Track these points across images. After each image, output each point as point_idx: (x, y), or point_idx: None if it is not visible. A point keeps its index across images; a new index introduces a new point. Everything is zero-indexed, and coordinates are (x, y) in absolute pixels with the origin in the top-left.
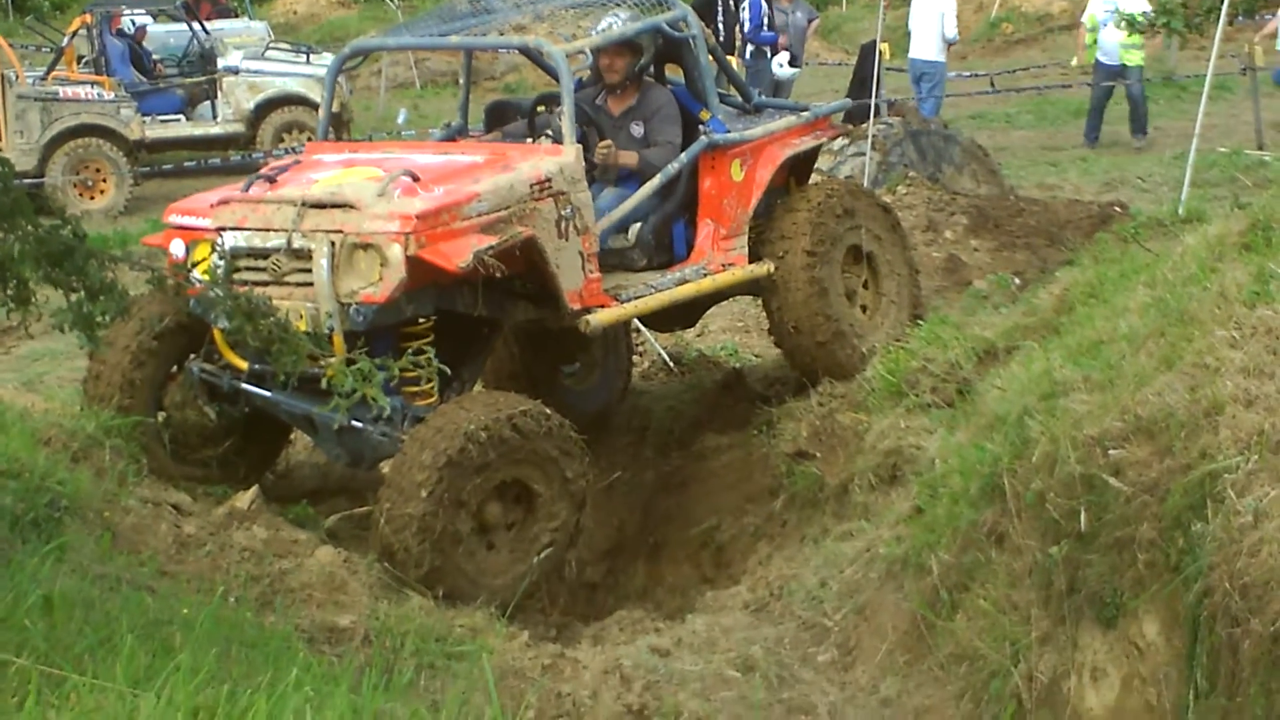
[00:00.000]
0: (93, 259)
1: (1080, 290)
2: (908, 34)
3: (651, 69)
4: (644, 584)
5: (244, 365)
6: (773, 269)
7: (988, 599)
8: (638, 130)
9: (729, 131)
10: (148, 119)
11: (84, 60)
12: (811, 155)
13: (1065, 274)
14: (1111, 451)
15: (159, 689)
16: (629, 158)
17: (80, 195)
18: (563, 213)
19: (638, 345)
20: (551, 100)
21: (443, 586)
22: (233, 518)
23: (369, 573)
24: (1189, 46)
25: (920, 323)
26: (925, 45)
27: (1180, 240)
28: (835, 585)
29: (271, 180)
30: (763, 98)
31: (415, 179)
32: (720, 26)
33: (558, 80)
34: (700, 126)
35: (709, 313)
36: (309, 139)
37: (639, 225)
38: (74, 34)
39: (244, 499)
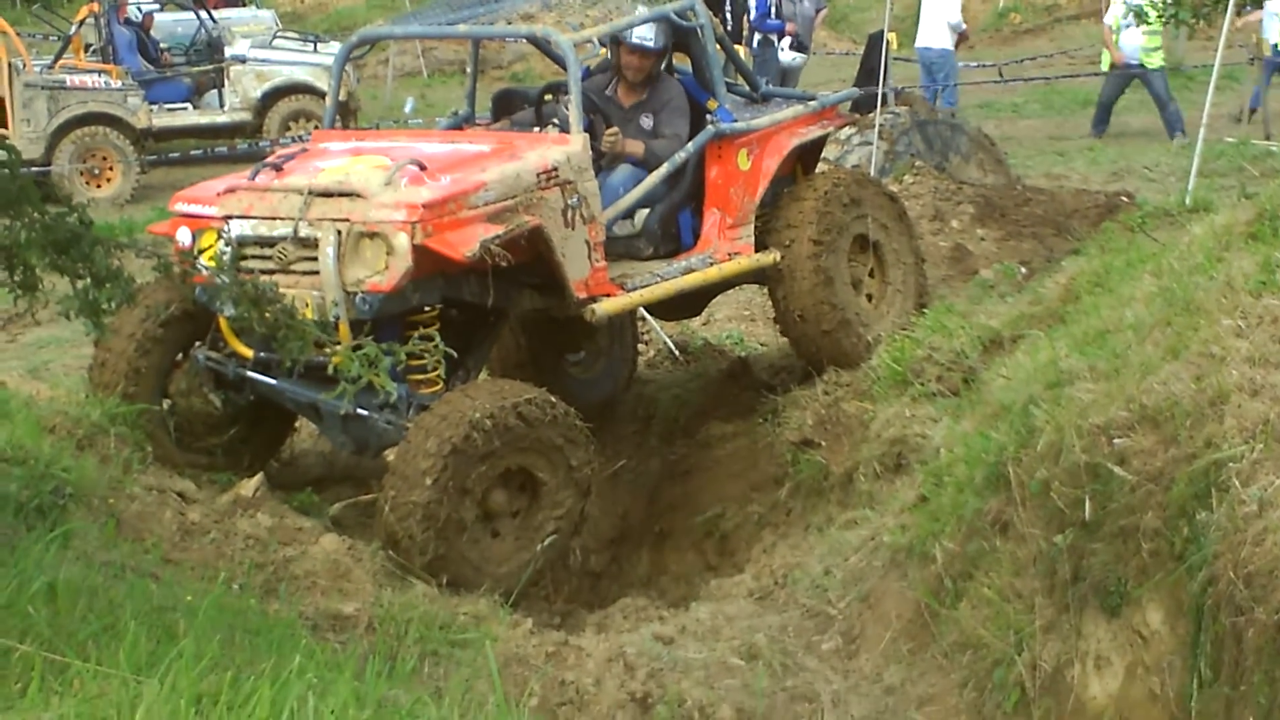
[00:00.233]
0: (99, 246)
1: (1086, 279)
2: (917, 23)
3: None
4: (648, 572)
5: (249, 353)
6: (779, 258)
7: (992, 587)
8: (647, 122)
9: (736, 121)
10: (155, 107)
11: (91, 49)
12: (819, 144)
13: (1071, 263)
14: (1116, 440)
15: (162, 676)
16: (635, 147)
17: (87, 183)
18: (569, 202)
19: (643, 333)
20: (559, 89)
21: (447, 574)
22: (237, 505)
23: (373, 560)
24: (1197, 36)
25: (926, 311)
26: (934, 34)
27: (1187, 230)
28: (840, 573)
29: (278, 168)
30: (770, 87)
31: (422, 168)
32: (728, 16)
33: (565, 69)
34: (707, 115)
35: (715, 301)
36: (316, 127)
37: (645, 213)
38: (81, 22)
39: (248, 486)
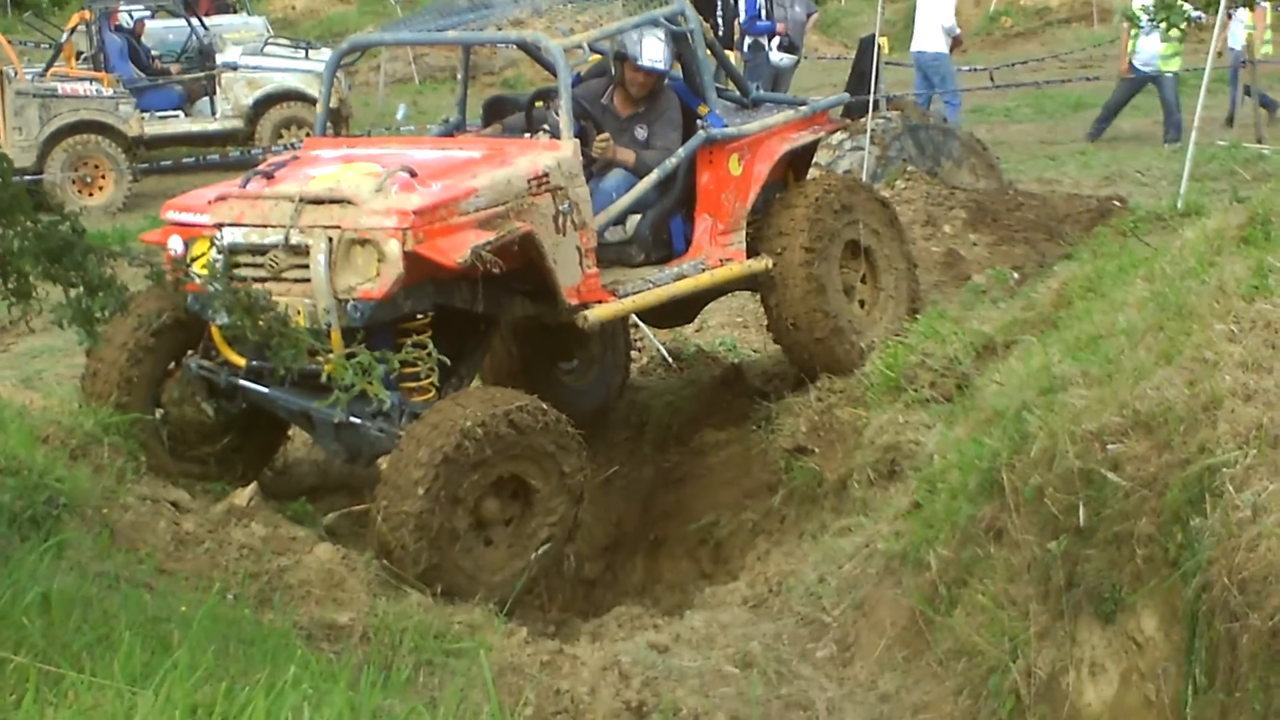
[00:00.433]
0: (92, 254)
1: (1079, 284)
2: (911, 27)
3: None
4: (642, 580)
5: (241, 362)
6: (770, 264)
7: (986, 594)
8: (641, 133)
9: (727, 126)
10: (146, 115)
11: (83, 56)
12: (810, 150)
13: (1064, 268)
14: (1110, 446)
15: (157, 686)
16: (626, 155)
17: (79, 192)
18: (560, 208)
19: (636, 341)
20: (549, 95)
21: (441, 583)
22: (231, 515)
23: (367, 570)
24: (1188, 39)
25: (918, 317)
26: (928, 38)
27: (1179, 234)
28: (834, 581)
29: (269, 176)
30: (761, 92)
31: (413, 174)
32: (719, 21)
33: (555, 75)
34: (698, 121)
35: (708, 308)
36: (308, 134)
37: (637, 219)
38: (73, 30)
39: (242, 496)
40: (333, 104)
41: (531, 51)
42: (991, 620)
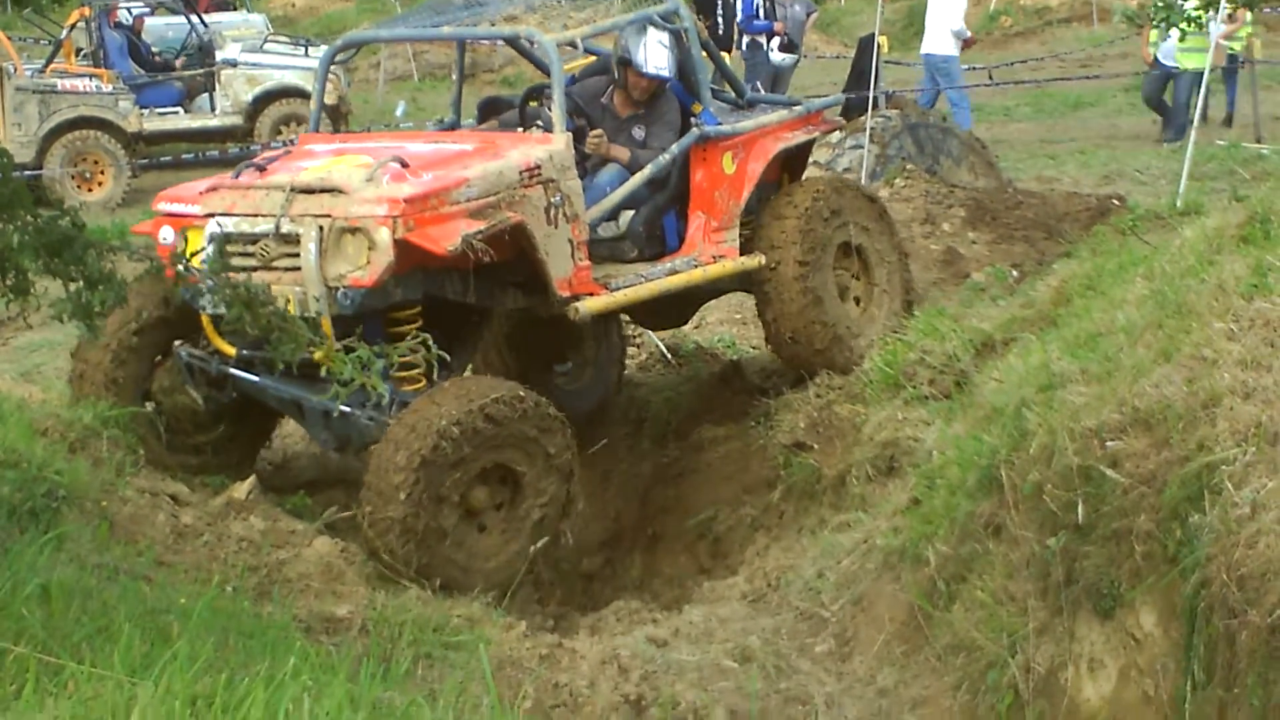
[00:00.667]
0: (91, 249)
1: (1078, 282)
2: (921, 27)
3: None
4: (641, 575)
5: (232, 351)
6: (763, 261)
7: (985, 590)
8: (639, 133)
9: (721, 125)
10: (146, 111)
11: (82, 53)
12: (805, 149)
13: (1063, 266)
14: (1109, 443)
15: (157, 677)
16: (621, 152)
17: (78, 187)
18: (552, 200)
19: (635, 337)
20: (543, 92)
21: (438, 579)
22: (230, 508)
23: (366, 563)
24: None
25: (914, 308)
26: (938, 40)
27: (1178, 233)
28: (832, 576)
29: (261, 169)
30: (756, 93)
31: (404, 165)
32: (719, 20)
33: (548, 71)
34: (692, 119)
35: (706, 305)
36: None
37: (630, 215)
38: (72, 26)
39: (241, 489)
40: (332, 101)
41: (524, 47)
42: (990, 616)
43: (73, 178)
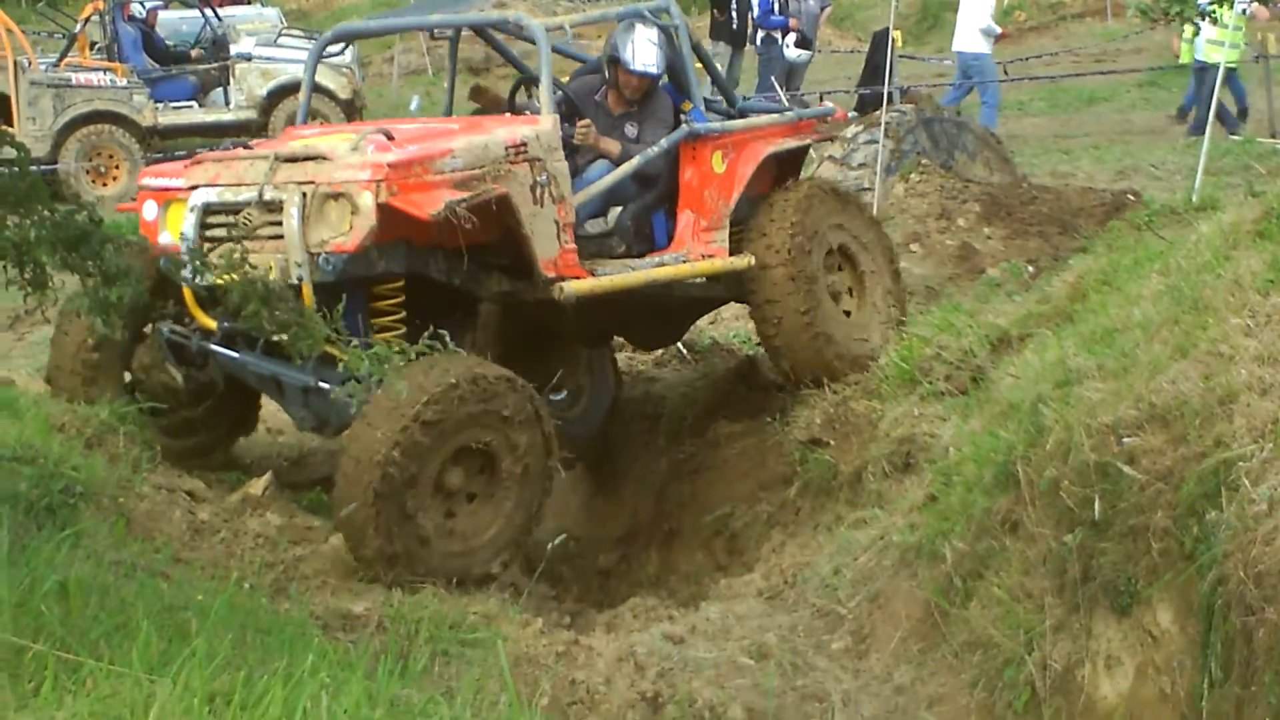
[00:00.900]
0: (109, 244)
1: (1094, 278)
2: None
3: None
4: (657, 571)
5: (213, 325)
6: (752, 261)
7: (1002, 587)
8: (631, 130)
9: (710, 122)
10: (160, 105)
11: (96, 47)
12: (797, 157)
13: (1079, 262)
14: (1126, 439)
15: (175, 675)
16: (610, 145)
17: (93, 182)
18: (538, 178)
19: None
20: (532, 83)
21: (439, 576)
22: (246, 504)
23: None
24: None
25: (905, 314)
26: (968, 37)
27: (1194, 228)
28: (849, 573)
29: (247, 147)
30: (747, 100)
31: (390, 138)
32: (734, 15)
33: (521, 70)
34: (681, 116)
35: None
36: (322, 124)
37: (618, 211)
38: (86, 20)
39: (258, 485)
40: (347, 95)
41: (514, 31)
42: (1007, 613)
43: (87, 172)
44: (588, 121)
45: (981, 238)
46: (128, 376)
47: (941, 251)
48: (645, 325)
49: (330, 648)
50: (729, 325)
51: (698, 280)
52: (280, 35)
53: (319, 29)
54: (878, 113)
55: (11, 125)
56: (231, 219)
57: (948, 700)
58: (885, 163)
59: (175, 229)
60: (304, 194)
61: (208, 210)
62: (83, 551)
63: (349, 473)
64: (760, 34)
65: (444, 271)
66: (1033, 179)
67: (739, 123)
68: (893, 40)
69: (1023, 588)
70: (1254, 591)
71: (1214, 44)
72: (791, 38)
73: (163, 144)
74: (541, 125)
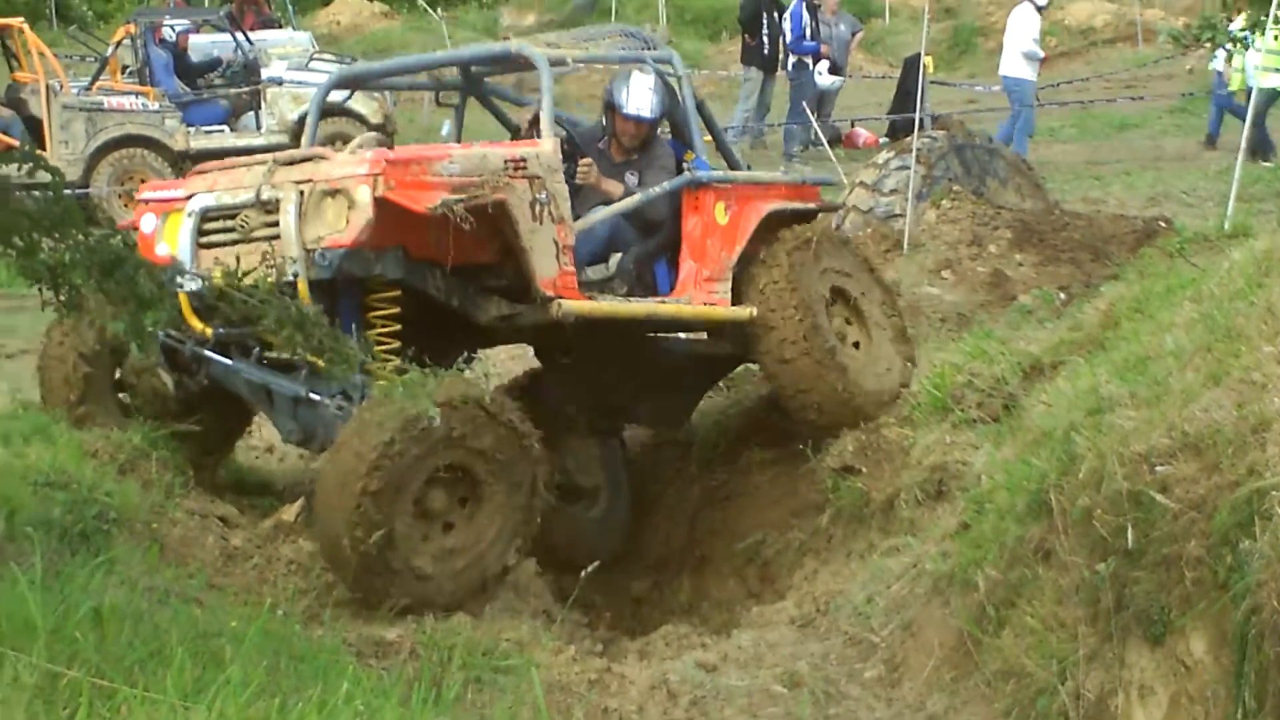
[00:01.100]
0: (143, 269)
1: (1126, 305)
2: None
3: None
4: (690, 599)
5: (208, 331)
6: (755, 312)
7: (1035, 616)
8: (632, 179)
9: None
10: (192, 129)
11: (128, 70)
12: (799, 219)
13: (1110, 289)
14: (1159, 468)
15: (210, 702)
16: (612, 186)
17: (125, 205)
18: (538, 195)
19: None
20: (535, 120)
21: (444, 599)
22: (279, 530)
23: None
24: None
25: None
26: (1011, 62)
27: (1226, 255)
28: (882, 601)
29: None
30: (800, 113)
31: (389, 147)
32: (765, 40)
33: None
34: (684, 165)
35: None
36: None
37: (619, 256)
38: (118, 44)
39: (290, 511)
40: (378, 120)
41: (516, 61)
42: (1040, 642)
43: (119, 196)
44: (589, 160)
45: (1013, 264)
46: (120, 391)
47: (973, 278)
48: (654, 399)
49: (364, 675)
50: None
51: (701, 338)
52: (311, 60)
53: (350, 54)
54: (909, 139)
55: (44, 149)
56: (229, 223)
57: None
58: (917, 189)
59: (173, 239)
60: (301, 191)
61: (205, 215)
62: (116, 578)
63: (325, 495)
64: (791, 59)
65: (443, 291)
66: (1064, 205)
67: (743, 174)
68: (924, 66)
69: (1056, 616)
70: None
71: (1265, 70)
72: (824, 64)
73: (194, 168)
74: (542, 146)
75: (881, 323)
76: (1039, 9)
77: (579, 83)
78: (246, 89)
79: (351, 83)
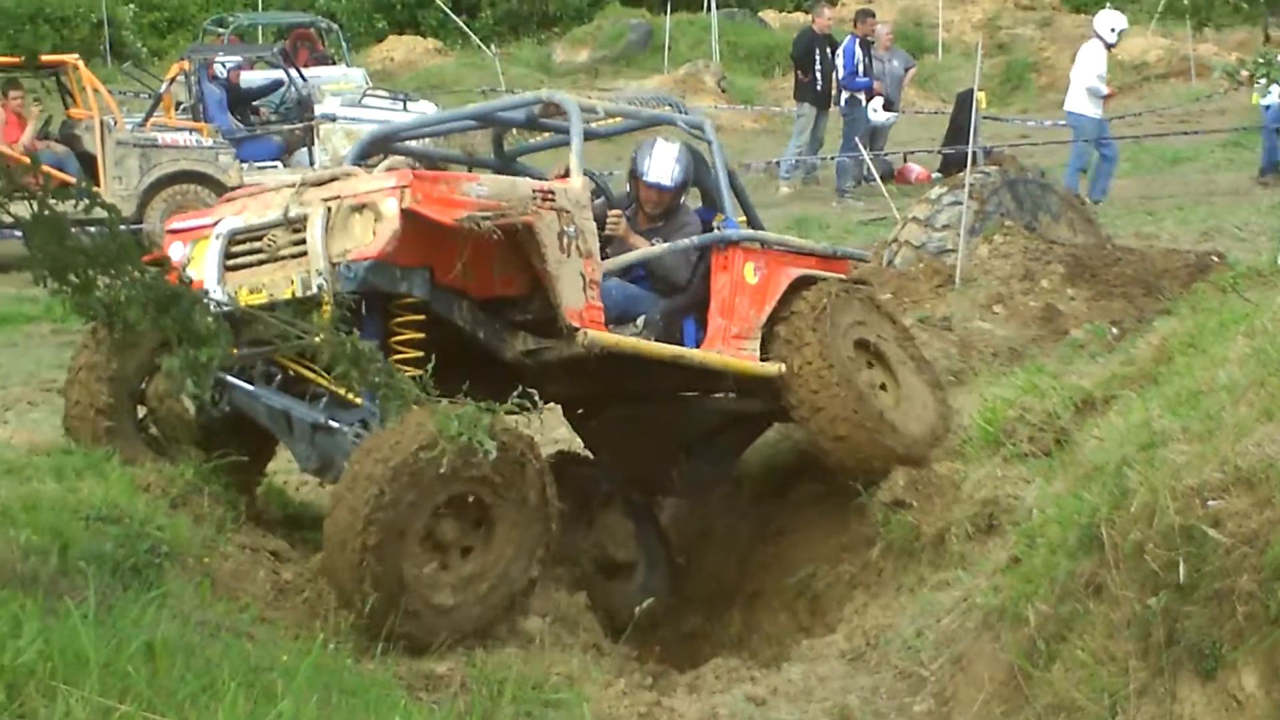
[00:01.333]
0: (198, 305)
1: (1178, 340)
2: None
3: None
4: (740, 632)
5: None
6: (783, 368)
7: (1085, 650)
8: (658, 245)
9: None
10: (245, 165)
11: (182, 106)
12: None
13: (1163, 324)
14: (1211, 502)
15: None
16: (639, 241)
17: None
18: (566, 229)
19: None
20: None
21: (470, 627)
22: None
23: None
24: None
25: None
26: (1074, 98)
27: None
28: (932, 635)
29: None
30: (854, 148)
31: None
32: (818, 75)
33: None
34: (714, 226)
35: None
36: None
37: (647, 314)
38: (172, 80)
39: None
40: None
41: (546, 108)
42: (1091, 676)
43: None
44: (619, 212)
45: (1065, 299)
46: (141, 411)
47: (1025, 313)
48: (686, 466)
49: (415, 709)
50: None
51: (730, 396)
52: (365, 96)
53: (403, 90)
54: (962, 174)
55: (98, 185)
56: (256, 244)
57: None
58: (969, 224)
59: (200, 263)
60: (329, 208)
61: (233, 238)
62: (168, 612)
63: (330, 553)
64: (844, 95)
65: (469, 321)
66: (1117, 240)
67: (773, 236)
68: (977, 101)
69: (1107, 651)
70: None
71: None
72: (878, 100)
73: (224, 195)
74: (571, 184)
75: (904, 360)
76: (1107, 46)
77: (603, 155)
78: (300, 125)
79: (383, 145)
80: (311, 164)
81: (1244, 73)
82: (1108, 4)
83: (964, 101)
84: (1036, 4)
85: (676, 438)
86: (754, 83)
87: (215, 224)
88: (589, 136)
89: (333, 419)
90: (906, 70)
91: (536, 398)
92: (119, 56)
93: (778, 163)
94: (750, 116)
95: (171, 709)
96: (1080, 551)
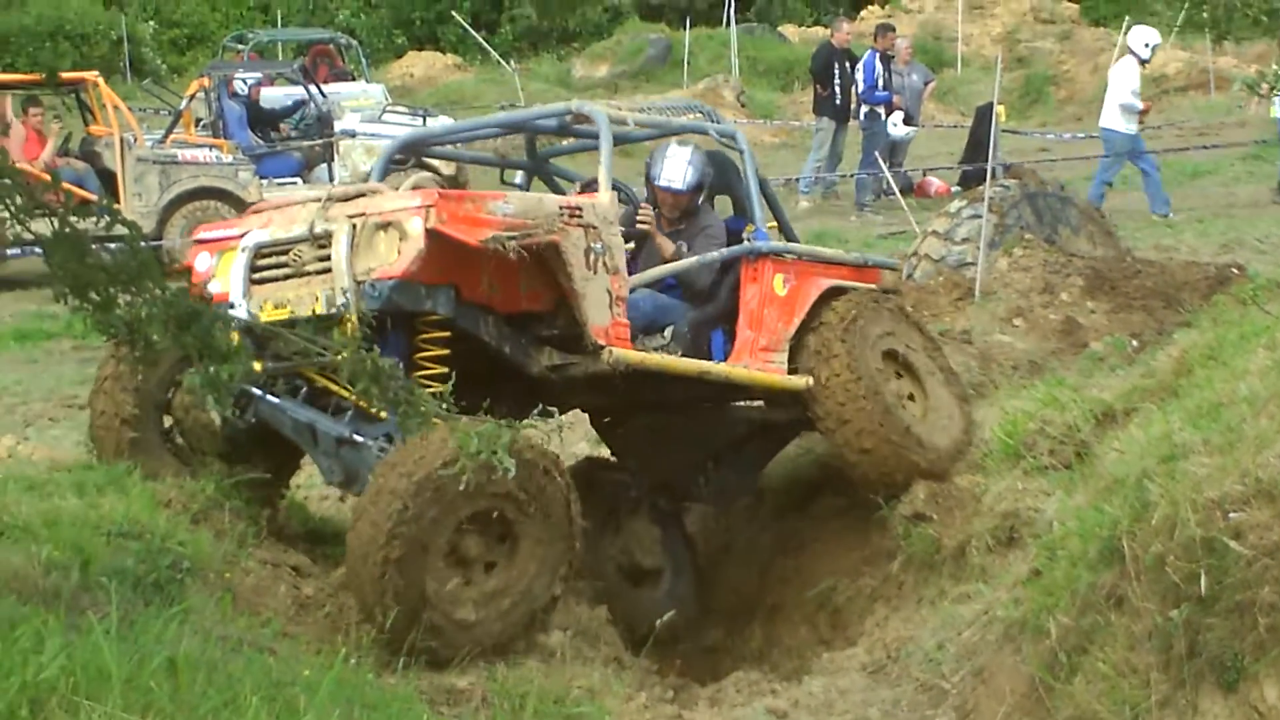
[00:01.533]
0: (219, 322)
1: (1199, 352)
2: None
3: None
4: (761, 645)
5: (258, 367)
6: (810, 381)
7: (1107, 662)
8: (682, 248)
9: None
10: (265, 182)
11: (201, 123)
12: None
13: (1183, 336)
14: (1232, 514)
15: None
16: (666, 243)
17: None
18: (592, 245)
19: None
20: (589, 186)
21: (492, 640)
22: None
23: None
24: None
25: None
26: (1108, 113)
27: None
28: (953, 647)
29: None
30: (872, 162)
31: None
32: (837, 89)
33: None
34: (744, 236)
35: None
36: None
37: (674, 325)
38: (192, 97)
39: None
40: (449, 171)
41: (575, 118)
42: (1112, 688)
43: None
44: (649, 209)
45: (1085, 312)
46: (167, 422)
47: (1045, 326)
48: (713, 474)
49: None
50: None
51: (756, 405)
52: (384, 112)
53: (423, 106)
54: (981, 187)
55: (118, 201)
56: (281, 258)
57: None
58: (989, 237)
59: (226, 275)
60: (354, 225)
61: (258, 251)
62: (190, 627)
63: (352, 567)
64: (864, 109)
65: (494, 337)
66: (1137, 253)
67: (804, 248)
68: (996, 115)
69: (1128, 663)
70: None
71: None
72: (898, 115)
73: (251, 207)
74: (598, 198)
75: (933, 370)
76: (1141, 61)
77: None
78: (320, 141)
79: (414, 149)
80: (331, 180)
81: (1264, 85)
82: (1127, 17)
83: (983, 115)
84: (1056, 17)
85: (704, 446)
86: (773, 97)
87: (242, 235)
88: (622, 141)
89: (357, 433)
90: (926, 84)
91: (557, 414)
92: (139, 73)
93: (798, 179)
94: (769, 131)
95: None
96: (1101, 564)
